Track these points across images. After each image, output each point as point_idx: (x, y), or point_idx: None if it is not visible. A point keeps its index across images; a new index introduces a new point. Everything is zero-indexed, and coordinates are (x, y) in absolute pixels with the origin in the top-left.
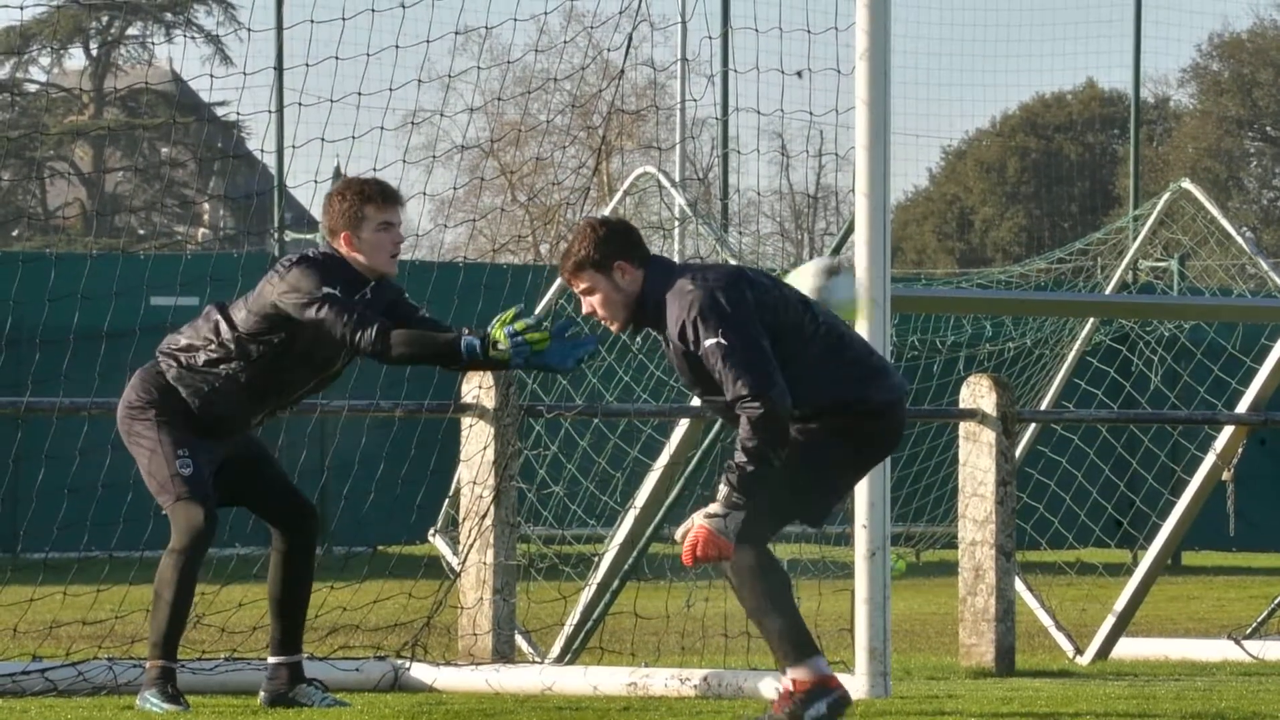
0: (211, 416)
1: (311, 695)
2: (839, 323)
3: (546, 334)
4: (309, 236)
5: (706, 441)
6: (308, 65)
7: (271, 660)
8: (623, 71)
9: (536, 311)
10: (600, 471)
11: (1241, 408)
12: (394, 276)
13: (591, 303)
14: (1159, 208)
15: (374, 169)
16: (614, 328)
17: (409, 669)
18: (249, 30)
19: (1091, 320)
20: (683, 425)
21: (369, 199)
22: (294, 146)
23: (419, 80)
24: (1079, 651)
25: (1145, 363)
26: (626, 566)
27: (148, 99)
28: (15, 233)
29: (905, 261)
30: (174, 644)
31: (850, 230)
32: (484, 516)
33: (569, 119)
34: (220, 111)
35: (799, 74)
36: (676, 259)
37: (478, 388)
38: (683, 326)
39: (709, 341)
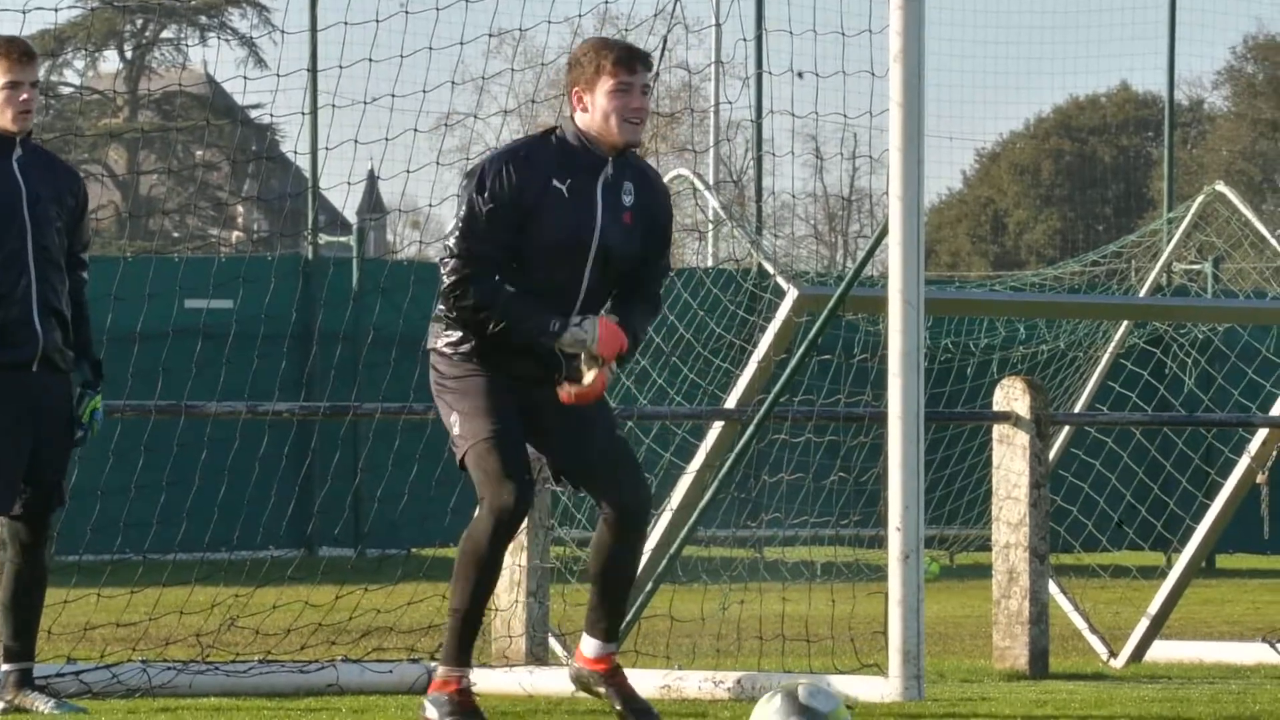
0: None
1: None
2: None
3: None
4: (343, 239)
5: (740, 444)
6: (341, 67)
7: (4, 667)
8: (657, 74)
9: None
10: None
11: (1276, 410)
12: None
13: (645, 103)
14: (1193, 210)
15: (407, 171)
16: (639, 135)
17: None
18: (283, 33)
19: (1125, 323)
20: (717, 428)
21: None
22: (327, 149)
23: (453, 82)
24: (1113, 654)
25: (1179, 365)
26: (660, 569)
27: (182, 102)
28: None
29: (939, 264)
30: None
31: (884, 233)
32: None
33: None
34: (254, 114)
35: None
36: (710, 261)
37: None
38: (669, 202)
39: (670, 232)
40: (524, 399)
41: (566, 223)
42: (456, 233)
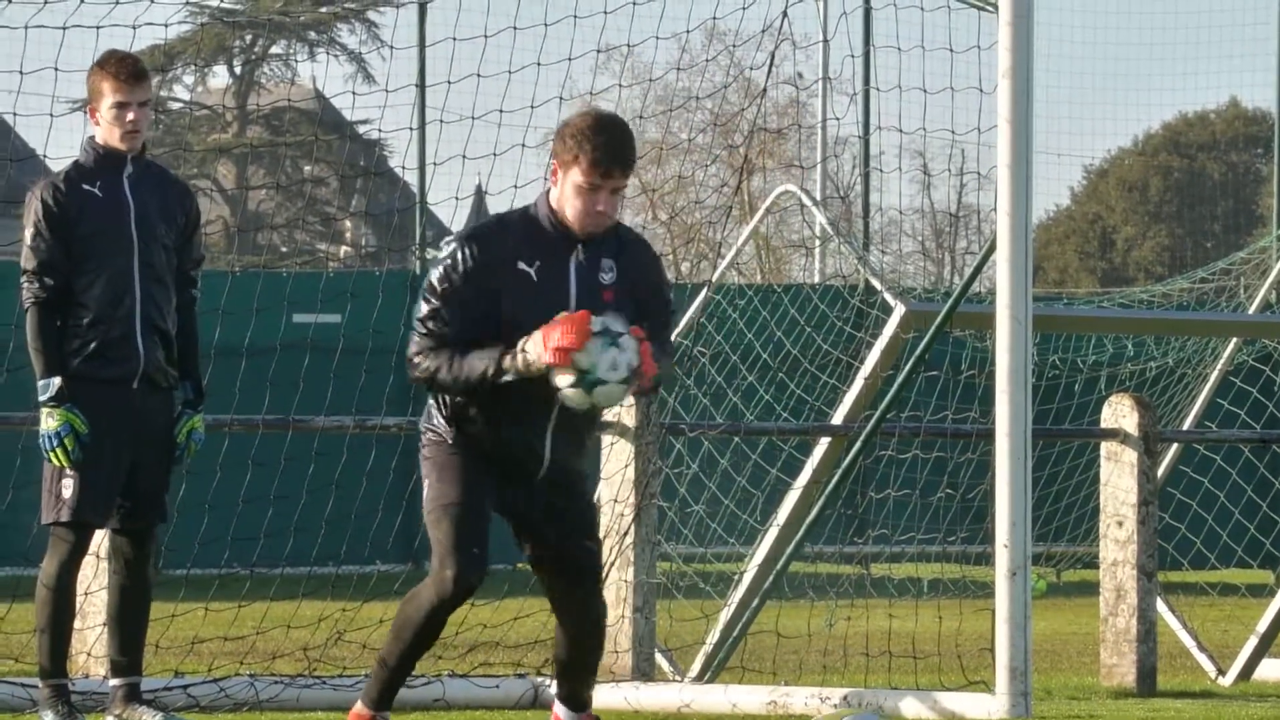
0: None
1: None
2: None
3: (64, 455)
4: None
5: (847, 460)
6: (450, 83)
7: (113, 682)
8: (764, 90)
9: (678, 329)
10: (740, 490)
11: None
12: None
13: (612, 205)
14: None
15: (515, 186)
16: (599, 230)
17: (548, 686)
18: (391, 48)
19: (1234, 340)
20: (823, 444)
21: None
22: (435, 164)
23: (560, 98)
24: (1221, 672)
25: None
26: (767, 585)
27: (290, 117)
28: None
29: (1047, 281)
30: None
31: (992, 249)
32: (625, 534)
33: (710, 138)
34: (362, 129)
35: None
36: (817, 278)
37: (619, 406)
38: (660, 269)
39: (669, 294)
40: (504, 485)
41: (535, 305)
42: (421, 310)
